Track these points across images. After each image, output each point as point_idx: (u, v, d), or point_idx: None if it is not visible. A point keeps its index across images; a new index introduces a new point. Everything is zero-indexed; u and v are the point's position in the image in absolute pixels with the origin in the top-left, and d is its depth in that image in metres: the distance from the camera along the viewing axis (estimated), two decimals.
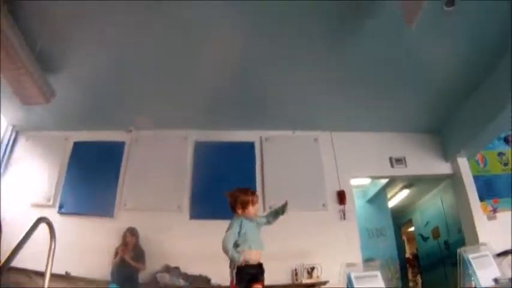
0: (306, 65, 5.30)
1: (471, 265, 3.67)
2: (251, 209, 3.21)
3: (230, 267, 3.13)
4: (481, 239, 6.06)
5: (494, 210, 6.63)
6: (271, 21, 4.52)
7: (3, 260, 2.36)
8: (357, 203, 6.87)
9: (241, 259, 3.03)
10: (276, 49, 4.99)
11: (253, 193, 3.29)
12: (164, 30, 4.67)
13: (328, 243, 5.90)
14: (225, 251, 3.01)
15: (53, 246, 3.16)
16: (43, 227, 3.16)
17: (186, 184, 6.38)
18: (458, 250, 3.87)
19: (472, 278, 3.61)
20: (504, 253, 5.91)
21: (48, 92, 5.21)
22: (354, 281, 3.40)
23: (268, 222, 3.35)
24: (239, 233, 3.13)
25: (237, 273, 3.08)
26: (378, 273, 3.58)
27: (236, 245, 3.10)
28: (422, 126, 6.97)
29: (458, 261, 3.80)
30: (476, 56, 5.11)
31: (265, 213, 3.42)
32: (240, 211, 3.20)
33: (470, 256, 3.75)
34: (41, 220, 3.03)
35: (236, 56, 5.07)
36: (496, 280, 3.61)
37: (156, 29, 4.63)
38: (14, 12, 4.20)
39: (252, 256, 3.07)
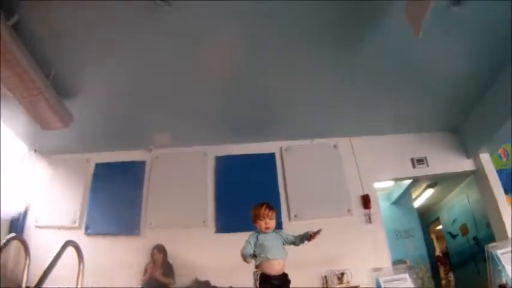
0: (319, 72, 5.30)
1: (500, 261, 3.63)
2: (260, 223, 3.32)
3: (254, 278, 3.19)
4: (510, 233, 5.99)
5: None
6: (281, 32, 4.54)
7: (34, 284, 2.41)
8: (382, 205, 6.78)
9: (257, 264, 3.17)
10: (288, 59, 5.01)
11: (266, 207, 3.36)
12: (175, 49, 4.72)
13: (356, 248, 5.86)
14: (242, 255, 3.18)
15: (81, 268, 3.23)
16: (71, 250, 3.23)
17: (209, 199, 6.40)
18: (486, 247, 3.79)
19: (502, 274, 3.56)
20: None
21: (65, 117, 5.30)
22: (382, 285, 3.36)
23: (295, 244, 3.40)
24: (255, 244, 3.24)
25: (259, 285, 3.13)
26: (407, 275, 3.53)
27: (254, 256, 3.22)
28: (441, 125, 6.88)
29: (487, 258, 3.73)
30: (492, 48, 5.02)
31: (293, 235, 3.44)
32: (256, 225, 3.36)
33: (499, 252, 3.71)
34: (68, 243, 3.09)
35: (249, 69, 5.14)
36: None
37: (167, 46, 4.68)
38: (26, 40, 4.28)
39: (271, 266, 3.13)
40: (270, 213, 3.35)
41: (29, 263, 3.59)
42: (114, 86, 5.41)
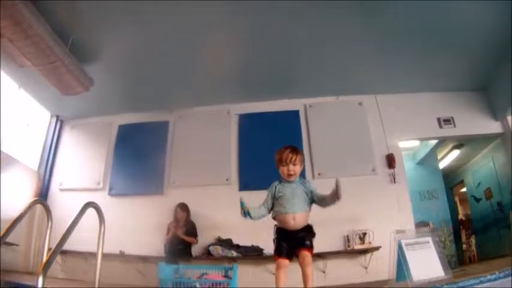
0: (344, 29, 5.14)
1: None
2: (283, 169, 3.01)
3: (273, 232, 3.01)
4: None
5: None
6: None
7: (54, 245, 2.43)
8: (406, 165, 6.67)
9: (273, 217, 2.99)
10: (313, 15, 4.85)
11: (291, 151, 3.01)
12: (192, 11, 4.64)
13: (379, 208, 5.81)
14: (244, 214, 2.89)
15: (102, 230, 3.26)
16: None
17: (233, 157, 6.42)
18: (510, 213, 3.65)
19: None
20: None
21: (86, 81, 5.36)
22: (404, 248, 3.27)
23: (319, 203, 3.03)
24: (273, 196, 3.00)
25: (275, 239, 2.96)
26: (430, 239, 3.42)
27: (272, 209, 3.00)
28: (468, 85, 6.65)
29: (511, 223, 3.59)
30: None
31: (324, 194, 3.03)
32: (279, 171, 3.05)
33: None
34: (88, 205, 3.11)
35: (272, 26, 5.00)
36: None
37: (185, 10, 4.61)
38: (43, 8, 4.29)
39: (285, 221, 2.91)
40: (295, 158, 2.98)
41: (51, 225, 3.70)
42: (133, 48, 5.39)
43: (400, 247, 3.31)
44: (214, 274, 4.15)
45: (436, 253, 3.34)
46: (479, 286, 2.61)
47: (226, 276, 4.10)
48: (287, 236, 2.89)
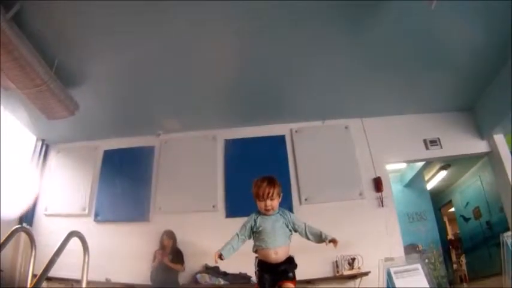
0: (328, 53, 5.15)
1: None
2: (259, 204, 2.92)
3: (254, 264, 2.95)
4: None
5: None
6: (291, 11, 4.39)
7: (39, 272, 2.42)
8: (394, 188, 6.69)
9: (254, 250, 2.92)
10: (297, 39, 4.86)
11: (267, 185, 2.90)
12: (177, 32, 4.62)
13: (368, 232, 5.77)
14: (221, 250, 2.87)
15: (86, 259, 3.21)
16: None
17: (219, 183, 6.35)
18: (501, 235, 3.64)
19: None
20: None
21: (71, 105, 5.29)
22: (393, 276, 3.23)
23: (305, 236, 2.99)
24: (253, 229, 2.93)
25: (257, 272, 2.90)
26: (419, 265, 3.38)
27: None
28: (455, 105, 6.68)
29: (501, 246, 3.58)
30: (504, 28, 4.81)
31: (306, 225, 3.01)
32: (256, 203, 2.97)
33: None
34: (72, 234, 3.06)
35: (257, 50, 5.00)
36: None
37: (169, 30, 4.57)
38: (27, 31, 4.26)
39: (267, 255, 2.85)
40: (272, 192, 2.88)
41: (35, 253, 3.58)
42: (119, 72, 5.35)
43: (389, 275, 3.27)
44: None
45: (425, 280, 3.31)
46: None
47: None
48: (269, 268, 2.84)
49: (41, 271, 2.47)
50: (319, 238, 2.95)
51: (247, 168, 5.96)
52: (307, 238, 2.99)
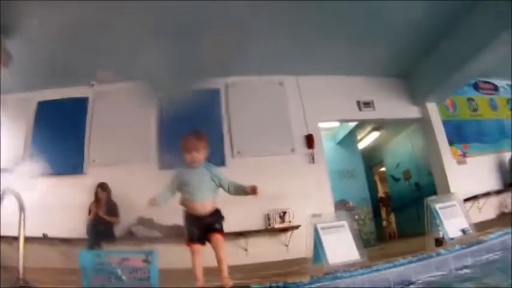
0: (269, 11, 5.13)
1: (438, 215, 3.67)
2: (186, 156, 2.89)
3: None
4: (451, 183, 6.36)
5: (464, 155, 6.82)
6: None
7: None
8: (326, 145, 6.93)
9: (180, 202, 2.92)
10: None
11: (193, 137, 2.92)
12: None
13: (299, 187, 5.98)
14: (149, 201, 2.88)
15: (22, 217, 3.10)
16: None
17: (152, 135, 6.31)
18: (425, 200, 3.85)
19: (440, 228, 3.63)
20: (473, 198, 6.15)
21: (5, 57, 5.09)
22: (320, 232, 3.32)
23: (227, 191, 3.00)
24: (180, 183, 2.92)
25: (186, 225, 2.91)
26: (345, 222, 3.49)
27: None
28: (390, 71, 6.96)
29: (425, 210, 3.80)
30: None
31: (231, 181, 3.02)
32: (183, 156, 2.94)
33: (438, 206, 3.74)
34: (7, 191, 2.97)
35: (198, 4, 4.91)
36: (463, 231, 3.62)
37: None
38: None
39: (193, 207, 2.86)
40: (198, 144, 2.88)
41: None
42: (54, 18, 5.06)
43: (316, 231, 3.34)
44: (134, 260, 4.13)
45: (351, 236, 3.41)
46: (393, 270, 2.69)
47: (146, 261, 4.09)
48: (197, 221, 2.85)
49: None
50: (241, 190, 2.98)
51: (181, 121, 5.87)
52: (229, 192, 3.01)
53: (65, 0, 4.68)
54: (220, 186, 2.99)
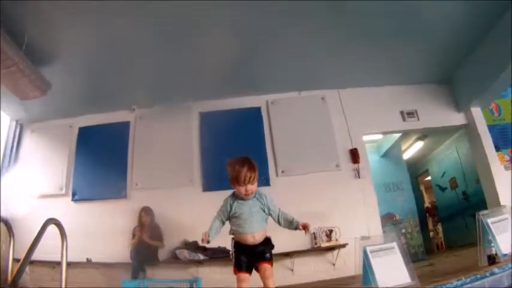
0: (306, 23, 5.05)
1: (491, 231, 3.45)
2: (239, 189, 2.81)
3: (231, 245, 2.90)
4: (499, 190, 5.99)
5: (511, 160, 6.50)
6: None
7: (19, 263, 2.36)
8: (371, 158, 6.75)
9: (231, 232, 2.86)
10: (275, 12, 4.77)
11: (248, 169, 2.78)
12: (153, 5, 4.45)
13: (345, 204, 5.83)
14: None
15: (64, 245, 3.17)
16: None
17: (195, 157, 6.28)
18: (477, 214, 3.64)
19: (492, 244, 3.40)
20: None
21: (43, 85, 5.16)
22: (369, 255, 3.22)
23: (278, 223, 2.95)
24: (229, 214, 2.86)
25: (234, 253, 2.84)
26: (395, 244, 3.37)
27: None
28: (432, 77, 6.72)
29: (477, 225, 3.58)
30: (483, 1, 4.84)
31: (282, 212, 2.97)
32: (234, 187, 2.87)
33: (490, 221, 3.51)
34: (49, 221, 2.98)
35: (233, 21, 4.89)
36: None
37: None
38: None
39: (244, 238, 2.80)
40: (252, 177, 2.77)
41: (14, 243, 3.59)
42: (91, 47, 5.15)
43: (365, 254, 3.25)
44: None
45: (401, 258, 3.31)
46: None
47: None
48: (246, 249, 2.79)
49: (21, 259, 2.39)
50: (291, 224, 2.93)
51: (223, 141, 5.96)
52: (279, 224, 2.95)
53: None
54: (270, 216, 2.92)
